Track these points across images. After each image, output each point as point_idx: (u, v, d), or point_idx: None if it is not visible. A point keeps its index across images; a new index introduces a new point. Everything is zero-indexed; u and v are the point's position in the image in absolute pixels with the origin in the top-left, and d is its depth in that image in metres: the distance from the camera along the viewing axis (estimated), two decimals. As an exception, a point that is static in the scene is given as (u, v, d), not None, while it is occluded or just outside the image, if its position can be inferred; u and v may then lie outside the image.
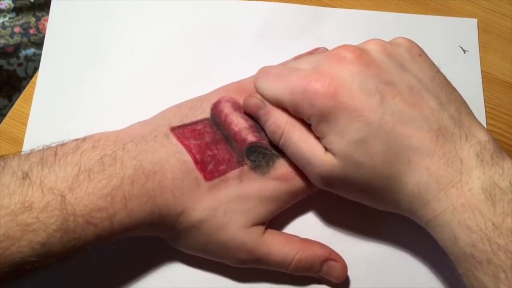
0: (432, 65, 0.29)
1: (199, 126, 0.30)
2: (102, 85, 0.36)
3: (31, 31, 1.04)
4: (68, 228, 0.24)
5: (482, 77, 0.37)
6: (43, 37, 0.36)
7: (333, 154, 0.27)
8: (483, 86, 0.37)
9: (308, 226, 0.32)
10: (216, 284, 0.30)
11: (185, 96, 0.32)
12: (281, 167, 0.30)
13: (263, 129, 0.30)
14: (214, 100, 0.31)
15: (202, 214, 0.28)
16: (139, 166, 0.26)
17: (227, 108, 0.30)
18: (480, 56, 0.38)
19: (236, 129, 0.30)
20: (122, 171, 0.26)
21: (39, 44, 1.03)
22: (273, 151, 0.30)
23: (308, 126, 0.28)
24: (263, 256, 0.29)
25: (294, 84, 0.27)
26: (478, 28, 0.39)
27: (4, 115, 0.35)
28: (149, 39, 0.37)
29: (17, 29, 1.04)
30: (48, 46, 0.36)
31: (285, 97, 0.28)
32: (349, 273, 0.30)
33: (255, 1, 0.39)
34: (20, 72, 1.01)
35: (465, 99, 0.28)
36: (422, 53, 0.29)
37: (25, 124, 0.34)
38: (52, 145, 0.26)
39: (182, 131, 0.29)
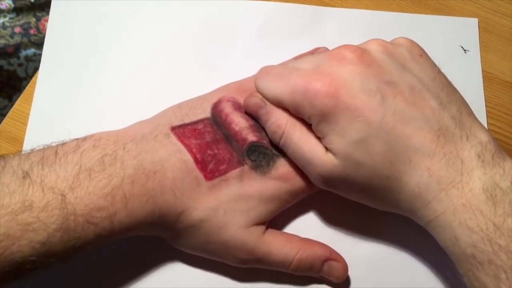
0: (433, 65, 0.29)
1: (200, 126, 0.30)
2: (102, 85, 0.36)
3: (31, 31, 1.04)
4: (69, 228, 0.24)
5: (482, 76, 0.37)
6: (43, 37, 0.36)
7: (333, 154, 0.27)
8: (483, 86, 0.37)
9: (309, 226, 0.32)
10: (217, 284, 0.30)
11: (186, 96, 0.32)
12: (282, 167, 0.30)
13: (263, 129, 0.30)
14: (214, 100, 0.31)
15: (203, 214, 0.28)
16: (139, 166, 0.26)
17: (227, 108, 0.30)
18: (480, 56, 0.38)
19: (237, 128, 0.30)
20: (122, 170, 0.26)
21: (39, 44, 1.03)
22: (274, 151, 0.30)
23: (308, 126, 0.28)
24: (263, 256, 0.29)
25: (295, 84, 0.27)
26: (478, 28, 0.39)
27: (4, 115, 0.35)
28: (149, 39, 0.37)
29: (17, 29, 1.04)
30: (48, 46, 0.36)
31: (286, 96, 0.28)
32: (350, 273, 0.30)
33: (255, 1, 0.39)
34: (20, 72, 1.01)
35: (465, 98, 0.28)
36: (423, 53, 0.29)
37: (25, 123, 0.34)
38: (53, 144, 0.26)
39: (182, 131, 0.29)
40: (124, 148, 0.27)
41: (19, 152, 0.26)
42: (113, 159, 0.26)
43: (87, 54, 0.36)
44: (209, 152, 0.29)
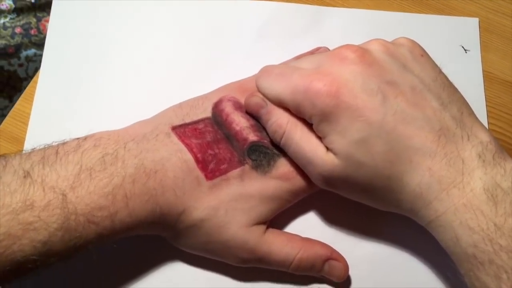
0: (434, 65, 0.29)
1: (200, 125, 0.30)
2: (103, 85, 0.36)
3: (32, 32, 1.04)
4: (70, 227, 0.24)
5: (483, 76, 0.37)
6: (44, 37, 0.36)
7: (334, 153, 0.27)
8: (484, 85, 0.37)
9: (310, 226, 0.32)
10: (217, 283, 0.30)
11: (187, 95, 0.32)
12: (282, 166, 0.30)
13: (264, 129, 0.30)
14: (215, 99, 0.31)
15: (203, 213, 0.28)
16: (140, 165, 0.26)
17: (228, 107, 0.30)
18: (481, 56, 0.38)
19: (237, 128, 0.29)
20: (123, 170, 0.26)
21: (40, 45, 1.03)
22: (274, 151, 0.30)
23: (309, 125, 0.28)
24: (264, 255, 0.29)
25: (296, 83, 0.27)
26: (479, 28, 0.39)
27: (4, 116, 0.35)
28: (150, 39, 0.37)
29: (18, 30, 1.04)
30: (49, 46, 0.36)
31: (287, 96, 0.28)
32: (351, 272, 0.30)
33: (257, 1, 0.39)
34: (21, 72, 1.01)
35: (466, 98, 0.28)
36: (424, 53, 0.29)
37: (26, 123, 0.34)
38: (53, 144, 0.26)
39: (183, 130, 0.29)
40: (125, 147, 0.27)
41: (20, 151, 0.26)
42: (114, 158, 0.26)
43: (87, 54, 0.36)
44: (209, 151, 0.29)
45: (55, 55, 0.36)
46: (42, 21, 1.06)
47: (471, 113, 0.28)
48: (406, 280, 0.31)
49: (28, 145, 0.33)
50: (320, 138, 0.28)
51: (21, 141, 0.34)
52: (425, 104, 0.26)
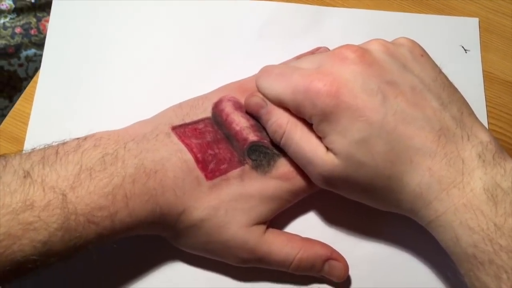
0: (434, 65, 0.29)
1: (200, 125, 0.30)
2: (103, 85, 0.36)
3: (32, 32, 1.04)
4: (70, 227, 0.24)
5: (483, 76, 0.37)
6: (44, 37, 0.36)
7: (334, 153, 0.27)
8: (484, 86, 0.37)
9: (310, 226, 0.32)
10: (217, 283, 0.30)
11: (187, 95, 0.32)
12: (282, 166, 0.30)
13: (264, 129, 0.30)
14: (215, 99, 0.31)
15: (203, 213, 0.28)
16: (140, 165, 0.26)
17: (228, 107, 0.30)
18: (481, 56, 0.38)
19: (237, 128, 0.29)
20: (123, 170, 0.26)
21: (40, 45, 1.03)
22: (274, 151, 0.30)
23: (309, 125, 0.28)
24: (264, 255, 0.29)
25: (296, 83, 0.27)
26: (479, 28, 0.39)
27: (4, 116, 0.35)
28: (150, 39, 0.37)
29: (18, 30, 1.04)
30: (49, 46, 0.36)
31: (287, 96, 0.28)
32: (351, 272, 0.30)
33: (257, 1, 0.39)
34: (21, 72, 1.01)
35: (466, 98, 0.28)
36: (424, 53, 0.29)
37: (26, 123, 0.34)
38: (53, 144, 0.26)
39: (183, 130, 0.29)
40: (125, 147, 0.27)
41: (20, 151, 0.26)
42: (114, 158, 0.26)
43: (87, 54, 0.36)
44: (209, 151, 0.29)
45: (55, 55, 0.36)
46: (42, 21, 1.06)
47: (471, 113, 0.28)
48: (406, 280, 0.31)
49: (28, 145, 0.33)
50: (320, 138, 0.28)
51: (21, 141, 0.34)
52: (425, 104, 0.26)
